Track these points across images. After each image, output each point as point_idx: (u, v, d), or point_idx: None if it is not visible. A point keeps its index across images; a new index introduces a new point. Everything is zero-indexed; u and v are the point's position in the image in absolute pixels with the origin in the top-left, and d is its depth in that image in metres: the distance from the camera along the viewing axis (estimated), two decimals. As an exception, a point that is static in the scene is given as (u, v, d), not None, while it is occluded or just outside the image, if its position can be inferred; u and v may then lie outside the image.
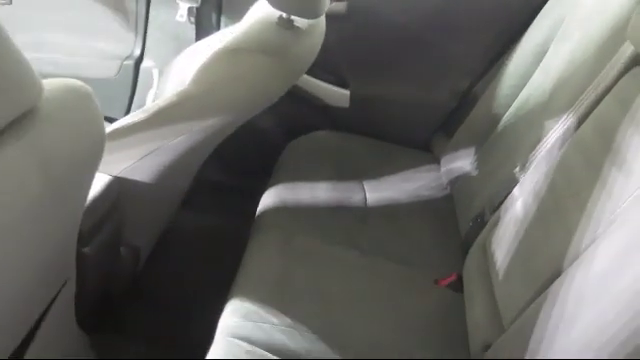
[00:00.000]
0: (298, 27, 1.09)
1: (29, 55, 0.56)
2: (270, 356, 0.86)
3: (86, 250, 0.93)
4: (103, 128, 0.74)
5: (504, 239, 0.99)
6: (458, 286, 1.10)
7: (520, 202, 0.99)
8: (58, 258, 0.80)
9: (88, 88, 0.69)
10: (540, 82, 1.19)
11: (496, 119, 1.31)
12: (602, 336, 0.66)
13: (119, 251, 1.14)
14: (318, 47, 1.20)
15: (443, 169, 1.46)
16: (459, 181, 1.36)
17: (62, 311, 0.88)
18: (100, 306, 1.17)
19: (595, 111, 0.90)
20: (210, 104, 1.03)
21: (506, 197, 1.06)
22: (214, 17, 1.59)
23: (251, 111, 1.12)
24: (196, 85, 1.01)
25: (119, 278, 1.19)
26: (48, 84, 0.62)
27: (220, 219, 1.57)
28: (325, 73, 1.56)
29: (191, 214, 1.53)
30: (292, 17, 1.06)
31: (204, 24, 1.59)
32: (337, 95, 1.58)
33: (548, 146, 1.00)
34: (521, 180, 1.04)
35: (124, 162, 1.02)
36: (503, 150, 1.22)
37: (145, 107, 1.05)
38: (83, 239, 0.88)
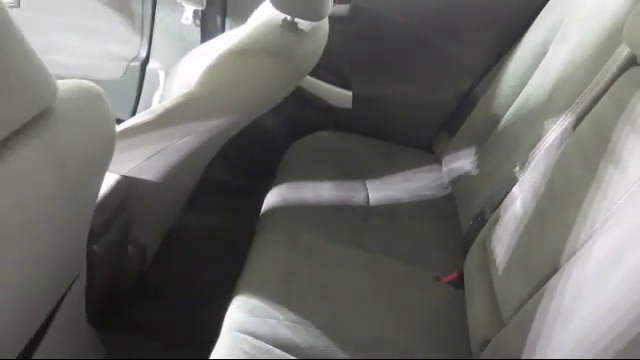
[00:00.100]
0: (302, 29, 1.10)
1: (37, 57, 0.58)
2: (275, 350, 0.88)
3: (95, 247, 0.95)
4: (114, 128, 0.75)
5: (504, 237, 1.01)
6: (459, 283, 1.11)
7: (519, 200, 1.00)
8: (70, 254, 0.81)
9: (99, 89, 0.71)
10: (540, 82, 1.21)
11: (496, 119, 1.33)
12: (599, 329, 0.68)
13: (127, 249, 1.15)
14: (321, 49, 1.21)
15: (444, 169, 1.47)
16: (460, 180, 1.38)
17: (73, 306, 0.90)
18: (108, 303, 1.18)
19: (592, 111, 0.92)
20: (216, 105, 1.05)
21: (506, 196, 1.08)
22: (219, 20, 1.60)
23: (256, 111, 1.14)
24: (202, 86, 1.03)
25: (126, 276, 1.21)
26: (61, 85, 0.64)
27: (225, 218, 1.59)
28: (328, 74, 1.57)
29: (196, 213, 1.54)
30: (296, 19, 1.08)
31: (209, 26, 1.60)
32: (340, 96, 1.60)
33: (547, 145, 1.02)
34: (520, 179, 1.06)
35: (132, 161, 1.03)
36: (503, 150, 1.23)
37: (152, 108, 1.07)
38: (92, 237, 0.90)
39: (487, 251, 1.05)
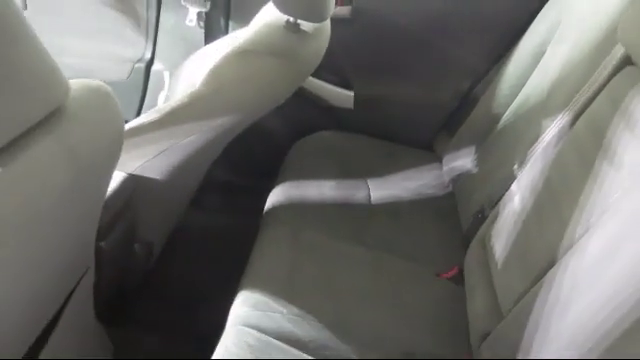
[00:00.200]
0: (304, 31, 1.12)
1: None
2: (279, 343, 0.90)
3: (103, 244, 0.96)
4: (122, 127, 0.77)
5: (502, 233, 1.03)
6: (459, 279, 1.13)
7: (518, 197, 1.02)
8: (79, 249, 0.83)
9: (109, 88, 0.72)
10: (538, 82, 1.23)
11: (496, 119, 1.34)
12: (596, 319, 0.70)
13: (133, 247, 1.17)
14: (323, 50, 1.23)
15: (445, 168, 1.49)
16: (460, 179, 1.40)
17: (82, 301, 0.92)
18: (114, 301, 1.20)
19: (588, 109, 0.94)
20: (220, 104, 1.06)
21: (505, 193, 1.10)
22: (222, 21, 1.61)
23: (259, 111, 1.15)
24: (206, 86, 1.04)
25: (132, 273, 1.22)
26: (73, 84, 0.65)
27: (228, 218, 1.60)
28: (330, 75, 1.59)
29: (200, 213, 1.56)
30: (299, 21, 1.09)
31: (213, 28, 1.61)
32: (342, 96, 1.61)
33: (544, 143, 1.04)
34: (519, 176, 1.08)
35: (138, 160, 1.05)
36: (503, 148, 1.25)
37: (157, 107, 1.08)
38: (100, 234, 0.91)
39: (486, 247, 1.07)
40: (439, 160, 1.54)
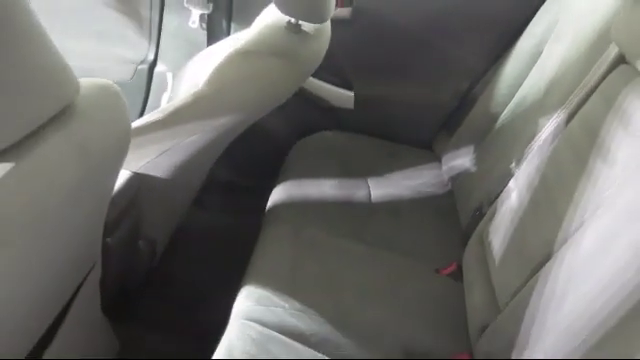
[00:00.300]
0: (305, 31, 1.13)
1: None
2: (281, 337, 0.92)
3: (109, 240, 0.98)
4: (129, 125, 0.78)
5: (500, 229, 1.04)
6: (458, 275, 1.15)
7: (515, 194, 1.04)
8: (87, 244, 0.85)
9: (117, 88, 0.73)
10: (535, 81, 1.25)
11: (494, 118, 1.36)
12: (591, 309, 0.72)
13: (138, 244, 1.19)
14: (324, 50, 1.24)
15: (444, 167, 1.51)
16: (459, 178, 1.42)
17: (89, 296, 0.93)
18: (118, 298, 1.22)
19: (583, 107, 0.95)
20: (223, 104, 1.07)
21: (502, 190, 1.11)
22: (224, 23, 1.62)
23: (261, 111, 1.17)
24: (209, 86, 1.06)
25: (136, 270, 1.23)
26: (83, 83, 0.66)
27: (230, 217, 1.62)
28: (331, 75, 1.60)
29: (202, 212, 1.57)
30: (300, 22, 1.11)
31: (215, 30, 1.62)
32: (342, 97, 1.63)
33: (541, 142, 1.06)
34: (516, 174, 1.09)
35: (142, 159, 1.06)
36: (500, 147, 1.27)
37: (161, 108, 1.09)
38: (106, 230, 0.92)
39: (484, 243, 1.09)
40: (438, 159, 1.56)
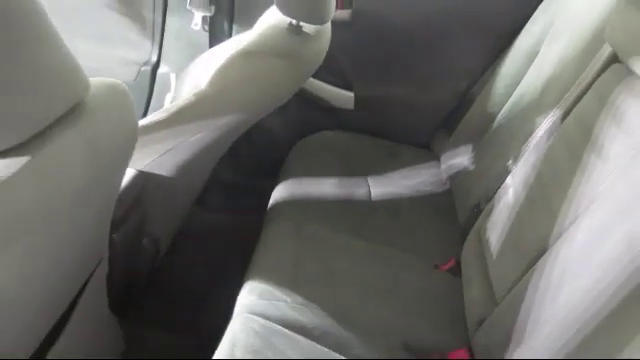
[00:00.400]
0: (306, 33, 1.15)
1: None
2: (284, 330, 0.93)
3: (114, 236, 0.99)
4: (137, 124, 0.80)
5: (497, 224, 1.07)
6: (457, 271, 1.17)
7: (511, 191, 1.06)
8: (94, 240, 0.87)
9: (125, 87, 0.75)
10: (532, 81, 1.27)
11: (492, 117, 1.38)
12: (585, 300, 0.74)
13: (142, 242, 1.20)
14: (325, 51, 1.26)
15: (443, 166, 1.53)
16: (458, 176, 1.44)
17: (95, 291, 0.95)
18: (122, 296, 1.23)
19: (578, 105, 0.98)
20: (225, 104, 1.09)
21: (499, 187, 1.14)
22: (226, 25, 1.64)
23: (263, 110, 1.19)
24: (212, 86, 1.07)
25: (140, 268, 1.25)
26: (92, 82, 0.68)
27: (231, 216, 1.63)
28: (331, 76, 1.62)
29: (204, 212, 1.59)
30: (301, 23, 1.13)
31: (217, 32, 1.64)
32: (342, 97, 1.65)
33: (537, 139, 1.08)
34: (513, 171, 1.12)
35: (147, 158, 1.08)
36: (498, 146, 1.29)
37: (164, 107, 1.11)
38: (112, 226, 0.94)
39: (482, 239, 1.11)
40: (437, 158, 1.59)
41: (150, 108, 1.74)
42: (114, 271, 1.03)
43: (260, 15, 1.32)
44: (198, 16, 1.60)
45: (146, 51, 1.72)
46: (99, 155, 0.69)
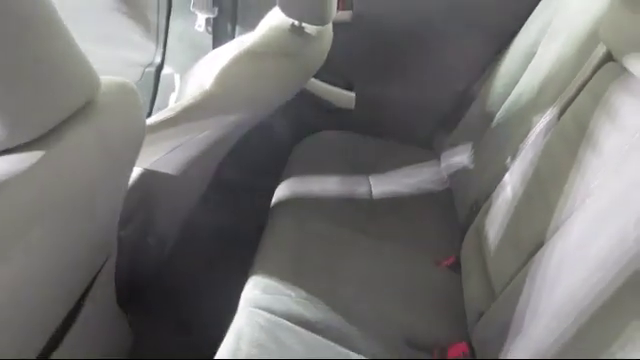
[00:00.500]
0: (308, 33, 1.17)
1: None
2: (288, 324, 0.95)
3: (121, 233, 1.01)
4: (144, 122, 0.82)
5: (495, 221, 1.09)
6: (457, 267, 1.19)
7: (509, 186, 1.09)
8: (103, 235, 0.89)
9: (134, 86, 0.77)
10: (530, 80, 1.29)
11: (491, 116, 1.40)
12: (579, 293, 0.76)
13: (147, 240, 1.22)
14: (326, 51, 1.29)
15: (443, 164, 1.55)
16: (458, 175, 1.46)
17: (104, 286, 0.97)
18: (128, 293, 1.25)
19: (574, 103, 1.00)
20: (229, 103, 1.11)
21: (498, 184, 1.16)
22: (229, 27, 1.66)
23: (266, 109, 1.21)
24: (217, 86, 1.09)
25: (146, 265, 1.27)
26: (102, 80, 0.69)
27: (232, 215, 1.65)
28: (332, 77, 1.65)
29: (205, 211, 1.60)
30: (303, 24, 1.15)
31: (220, 33, 1.66)
32: (343, 97, 1.67)
33: (534, 137, 1.10)
34: (511, 168, 1.14)
35: (154, 155, 1.09)
36: (497, 144, 1.31)
37: (170, 107, 1.12)
38: (120, 223, 0.95)
39: (481, 235, 1.13)
40: (437, 157, 1.60)
41: (154, 108, 1.75)
42: (120, 268, 1.04)
43: (262, 17, 1.34)
44: (201, 18, 1.63)
45: (150, 52, 1.74)
46: (110, 151, 0.71)
